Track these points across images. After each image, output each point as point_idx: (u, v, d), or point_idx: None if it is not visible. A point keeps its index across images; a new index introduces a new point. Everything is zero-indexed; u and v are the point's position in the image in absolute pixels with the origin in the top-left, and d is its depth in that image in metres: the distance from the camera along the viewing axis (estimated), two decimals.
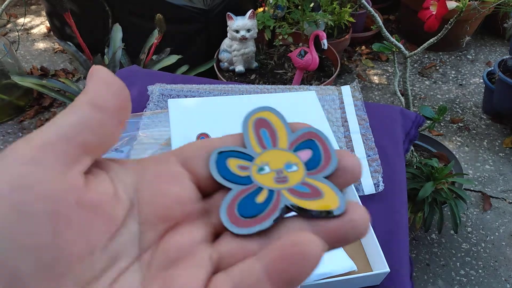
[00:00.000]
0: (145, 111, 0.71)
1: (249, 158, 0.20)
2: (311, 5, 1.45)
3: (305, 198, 0.19)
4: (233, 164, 0.20)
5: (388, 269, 0.46)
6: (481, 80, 1.82)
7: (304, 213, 0.18)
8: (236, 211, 0.18)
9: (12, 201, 0.14)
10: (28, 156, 0.15)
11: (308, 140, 0.21)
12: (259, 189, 0.19)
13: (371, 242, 0.49)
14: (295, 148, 0.20)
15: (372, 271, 0.49)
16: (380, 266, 0.47)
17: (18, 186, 0.15)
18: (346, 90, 0.76)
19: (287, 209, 0.19)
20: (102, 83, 0.18)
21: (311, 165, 0.20)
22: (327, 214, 0.18)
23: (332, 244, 0.18)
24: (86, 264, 0.16)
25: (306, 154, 0.20)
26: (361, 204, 0.18)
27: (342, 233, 0.18)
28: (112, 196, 0.17)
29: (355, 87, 0.77)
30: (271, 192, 0.19)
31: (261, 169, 0.20)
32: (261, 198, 0.19)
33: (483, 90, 1.70)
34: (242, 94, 0.75)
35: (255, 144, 0.20)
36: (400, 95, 1.13)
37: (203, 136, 0.57)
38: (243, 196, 0.19)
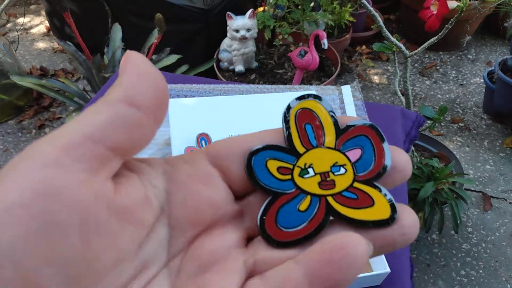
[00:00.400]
0: None
1: (291, 159, 0.17)
2: (311, 4, 1.45)
3: (354, 207, 0.17)
4: (273, 166, 0.17)
5: (388, 270, 0.46)
6: (482, 80, 1.81)
7: (353, 223, 0.17)
8: (275, 221, 0.17)
9: (37, 210, 0.13)
10: (51, 158, 0.13)
11: (359, 136, 0.18)
12: (302, 195, 0.17)
13: None
14: (343, 146, 0.18)
15: (372, 271, 0.48)
16: (381, 266, 0.47)
17: (43, 192, 0.13)
18: (346, 90, 0.76)
19: (333, 218, 0.17)
20: (138, 75, 0.15)
21: (361, 167, 0.17)
22: (378, 225, 0.16)
23: (378, 249, 0.16)
24: (115, 273, 0.14)
25: (356, 153, 0.18)
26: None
27: (390, 239, 0.16)
28: (143, 200, 0.15)
29: (355, 87, 0.76)
30: (315, 199, 0.17)
31: (304, 172, 0.17)
32: (303, 206, 0.17)
33: (483, 90, 1.69)
34: (242, 94, 0.74)
35: (298, 142, 0.18)
36: (401, 95, 1.13)
37: (203, 136, 0.56)
38: (283, 203, 0.17)
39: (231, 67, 1.52)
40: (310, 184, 0.17)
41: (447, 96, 1.76)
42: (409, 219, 0.16)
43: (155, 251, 0.16)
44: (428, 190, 1.02)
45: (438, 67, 1.91)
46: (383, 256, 0.46)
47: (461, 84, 1.82)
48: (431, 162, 1.09)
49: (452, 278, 1.16)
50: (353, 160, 0.17)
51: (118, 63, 1.24)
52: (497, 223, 1.28)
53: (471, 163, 1.47)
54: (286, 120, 0.18)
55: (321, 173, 0.17)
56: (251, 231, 0.18)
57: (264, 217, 0.17)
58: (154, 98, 0.15)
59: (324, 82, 1.50)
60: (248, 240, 0.18)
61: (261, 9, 1.58)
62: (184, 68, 1.44)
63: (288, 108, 0.18)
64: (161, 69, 1.26)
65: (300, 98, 0.18)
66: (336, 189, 0.17)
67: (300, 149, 0.17)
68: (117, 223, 0.14)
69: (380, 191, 0.17)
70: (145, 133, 0.15)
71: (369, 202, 0.17)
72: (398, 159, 0.17)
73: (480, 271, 1.17)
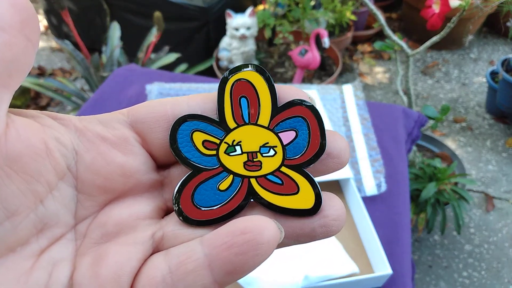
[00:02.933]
0: None
1: (219, 133, 0.16)
2: (312, 3, 1.44)
3: (277, 193, 0.16)
4: (198, 139, 0.16)
5: (390, 271, 0.45)
6: (484, 79, 1.80)
7: (272, 209, 0.16)
8: (191, 198, 0.16)
9: None
10: None
11: (296, 117, 0.16)
12: (224, 174, 0.16)
13: (373, 244, 0.48)
14: (278, 126, 0.16)
15: (374, 273, 0.48)
16: (382, 268, 0.46)
17: None
18: (347, 89, 0.75)
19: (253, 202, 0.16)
20: None
21: (292, 151, 0.16)
22: (299, 214, 0.15)
23: (296, 238, 0.15)
24: (5, 227, 0.13)
25: (290, 135, 0.16)
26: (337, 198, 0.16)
27: (310, 230, 0.15)
28: (42, 151, 0.14)
29: (357, 86, 0.75)
30: (237, 179, 0.16)
31: (231, 149, 0.16)
32: (224, 185, 0.16)
33: (486, 90, 1.68)
34: None
35: (229, 116, 0.16)
36: (403, 94, 1.11)
37: None
38: (203, 180, 0.16)
39: (230, 66, 1.51)
40: (235, 162, 0.16)
41: (449, 95, 1.74)
42: (333, 212, 0.15)
43: (58, 211, 0.15)
44: (430, 190, 1.01)
45: (440, 66, 1.90)
46: (385, 258, 0.46)
47: (464, 84, 1.80)
48: (433, 162, 1.08)
49: (454, 279, 1.14)
50: (285, 142, 0.16)
51: (117, 62, 1.23)
52: (500, 224, 1.27)
53: (474, 163, 1.46)
54: (220, 91, 0.16)
55: (249, 153, 0.16)
56: (171, 203, 0.17)
57: (180, 193, 0.16)
58: (15, 15, 0.14)
59: (325, 81, 1.49)
60: (168, 212, 0.17)
61: (261, 7, 1.57)
62: (183, 67, 1.43)
63: (225, 78, 0.16)
64: (160, 68, 1.25)
65: (238, 67, 0.16)
66: (262, 172, 0.16)
67: (231, 124, 0.16)
68: (3, 170, 0.13)
69: (308, 179, 0.16)
70: (20, 54, 0.14)
71: (294, 189, 0.16)
72: (333, 145, 0.16)
73: (483, 273, 1.16)
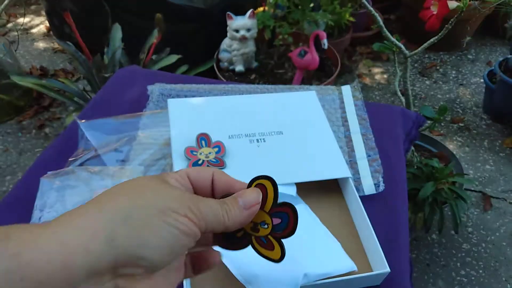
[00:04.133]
0: (145, 111, 0.71)
1: None
2: (311, 4, 1.45)
3: (263, 247, 0.32)
4: None
5: (388, 269, 0.46)
6: (482, 80, 1.81)
7: (259, 254, 0.32)
8: (222, 239, 0.32)
9: None
10: None
11: (283, 212, 0.31)
12: (240, 230, 0.32)
13: (371, 242, 0.49)
14: (273, 214, 0.31)
15: (372, 271, 0.48)
16: (381, 266, 0.47)
17: None
18: (346, 89, 0.76)
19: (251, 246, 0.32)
20: None
21: (276, 229, 0.31)
22: (271, 260, 0.32)
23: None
24: None
25: (277, 221, 0.31)
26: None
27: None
28: None
29: (356, 86, 0.76)
30: (247, 233, 0.32)
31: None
32: (239, 234, 0.32)
33: (483, 90, 1.69)
34: (242, 94, 0.74)
35: None
36: (401, 95, 1.13)
37: (203, 136, 0.56)
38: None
39: (231, 67, 1.52)
40: (247, 226, 0.31)
41: (447, 96, 1.76)
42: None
43: None
44: (428, 190, 1.02)
45: (438, 67, 1.91)
46: (383, 256, 0.47)
47: (461, 84, 1.82)
48: (431, 162, 1.09)
49: (452, 278, 1.16)
50: (274, 223, 0.31)
51: (118, 63, 1.24)
52: (497, 223, 1.28)
53: (471, 163, 1.47)
54: (249, 186, 0.32)
55: (255, 223, 0.31)
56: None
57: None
58: None
59: (324, 82, 1.50)
60: None
61: (261, 9, 1.58)
62: (184, 68, 1.45)
63: (251, 181, 0.31)
64: (161, 69, 1.26)
65: (260, 177, 0.31)
66: (259, 234, 0.31)
67: None
68: None
69: (280, 244, 0.31)
70: None
71: (272, 248, 0.31)
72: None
73: (480, 271, 1.17)
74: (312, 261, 0.46)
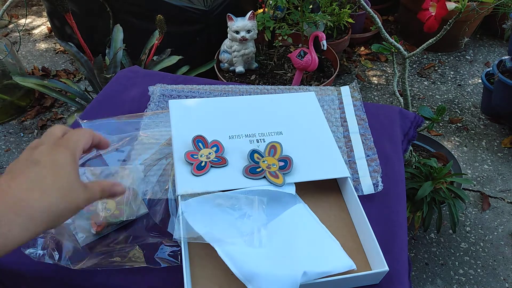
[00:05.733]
0: (146, 111, 0.72)
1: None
2: (311, 6, 1.46)
3: (272, 177, 0.52)
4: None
5: (387, 268, 0.46)
6: (480, 81, 1.82)
7: (268, 182, 0.52)
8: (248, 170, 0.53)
9: None
10: None
11: (285, 160, 0.54)
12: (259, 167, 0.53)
13: (370, 242, 0.50)
14: (279, 160, 0.54)
15: (371, 269, 0.49)
16: (380, 265, 0.47)
17: None
18: (345, 90, 0.77)
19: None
20: None
21: (281, 167, 0.53)
22: (277, 185, 0.52)
23: None
24: None
25: (281, 163, 0.53)
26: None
27: None
28: None
29: (354, 87, 0.77)
30: (263, 169, 0.53)
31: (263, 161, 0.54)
32: (258, 169, 0.53)
33: (481, 91, 1.70)
34: (242, 95, 0.75)
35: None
36: (399, 96, 1.14)
37: (198, 138, 0.57)
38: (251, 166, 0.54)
39: (231, 68, 1.53)
40: (263, 164, 0.55)
41: (445, 96, 1.77)
42: None
43: None
44: (426, 189, 1.03)
45: (436, 68, 1.92)
46: (382, 255, 0.47)
47: (459, 85, 1.83)
48: (430, 162, 1.09)
49: (451, 277, 1.17)
50: (280, 165, 0.55)
51: (120, 64, 1.25)
52: (495, 223, 1.29)
53: (469, 163, 1.48)
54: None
55: (268, 164, 0.55)
56: None
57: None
58: None
59: (323, 82, 1.51)
60: None
61: (261, 10, 1.59)
62: (184, 69, 1.45)
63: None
64: (162, 70, 1.27)
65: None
66: (270, 169, 0.54)
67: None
68: None
69: (283, 176, 0.53)
70: None
71: (277, 177, 0.53)
72: None
73: (478, 270, 1.18)
74: (311, 260, 0.46)
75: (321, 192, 0.57)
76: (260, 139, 0.58)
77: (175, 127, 0.59)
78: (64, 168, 0.34)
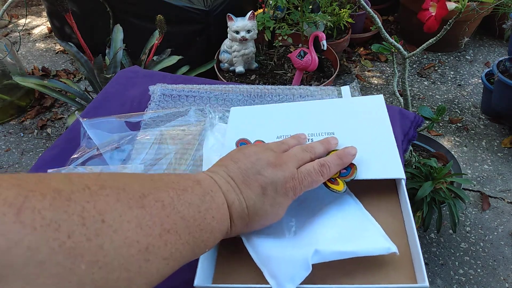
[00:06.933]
0: (146, 110, 0.72)
1: None
2: (311, 6, 1.46)
3: (332, 184, 0.44)
4: None
5: (427, 284, 0.38)
6: (480, 81, 1.83)
7: (328, 189, 0.44)
8: None
9: None
10: None
11: (348, 166, 0.46)
12: None
13: (416, 251, 0.43)
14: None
15: (416, 283, 0.40)
16: (420, 279, 0.39)
17: None
18: (345, 90, 0.77)
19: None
20: None
21: (342, 174, 0.45)
22: (337, 192, 0.44)
23: None
24: None
25: (343, 170, 0.45)
26: None
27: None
28: None
29: (355, 87, 0.77)
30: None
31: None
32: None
33: (481, 91, 1.70)
34: (242, 94, 0.75)
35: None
36: (399, 96, 1.14)
37: (242, 141, 0.55)
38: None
39: (231, 68, 1.53)
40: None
41: (445, 96, 1.77)
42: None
43: None
44: (426, 189, 1.03)
45: (436, 68, 1.93)
46: (423, 267, 0.39)
47: (459, 85, 1.83)
48: (430, 162, 1.09)
49: (451, 277, 1.17)
50: (341, 171, 0.45)
51: (120, 64, 1.25)
52: (495, 223, 1.29)
53: (469, 163, 1.48)
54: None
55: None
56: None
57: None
58: None
59: (323, 82, 1.51)
60: None
61: (261, 10, 1.60)
62: (185, 69, 1.46)
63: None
64: (162, 69, 1.27)
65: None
66: (331, 176, 0.44)
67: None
68: None
69: (343, 183, 0.44)
70: None
71: (338, 184, 0.44)
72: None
73: (478, 270, 1.18)
74: (333, 238, 0.40)
75: (373, 194, 0.49)
76: (309, 139, 0.54)
77: (229, 133, 0.57)
78: None
